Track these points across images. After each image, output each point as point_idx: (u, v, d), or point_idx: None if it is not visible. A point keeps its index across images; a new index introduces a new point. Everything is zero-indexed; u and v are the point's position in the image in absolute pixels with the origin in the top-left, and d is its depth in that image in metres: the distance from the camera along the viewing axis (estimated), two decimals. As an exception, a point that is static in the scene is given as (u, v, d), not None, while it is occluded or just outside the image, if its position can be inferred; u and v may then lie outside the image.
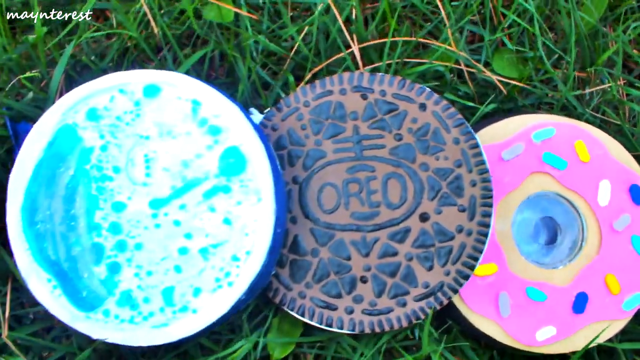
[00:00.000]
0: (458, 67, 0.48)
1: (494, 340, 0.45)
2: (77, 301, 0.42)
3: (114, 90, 0.43)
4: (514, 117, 0.47)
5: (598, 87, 0.50)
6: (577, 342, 0.45)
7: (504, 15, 0.50)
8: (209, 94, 0.43)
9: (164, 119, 0.43)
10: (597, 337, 0.44)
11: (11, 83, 0.45)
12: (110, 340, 0.42)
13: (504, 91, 0.48)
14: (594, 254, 0.46)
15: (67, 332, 0.46)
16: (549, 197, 0.47)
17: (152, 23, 0.46)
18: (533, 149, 0.46)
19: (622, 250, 0.46)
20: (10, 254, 0.44)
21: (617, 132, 0.50)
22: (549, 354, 0.46)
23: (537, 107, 0.50)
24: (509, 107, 0.49)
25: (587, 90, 0.49)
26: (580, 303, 0.45)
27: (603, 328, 0.45)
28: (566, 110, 0.49)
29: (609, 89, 0.50)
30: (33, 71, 0.45)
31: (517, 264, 0.46)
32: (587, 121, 0.49)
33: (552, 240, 0.47)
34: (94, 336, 0.42)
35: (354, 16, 0.47)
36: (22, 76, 0.43)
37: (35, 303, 0.46)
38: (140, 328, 0.42)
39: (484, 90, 0.49)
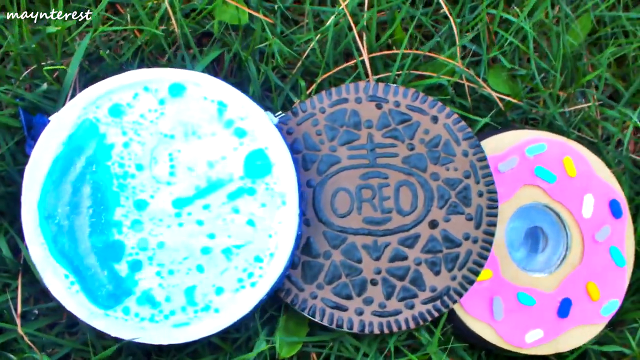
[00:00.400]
0: (460, 81, 0.50)
1: (487, 341, 0.48)
2: (95, 298, 0.42)
3: (138, 87, 0.43)
4: (509, 131, 0.50)
5: (578, 106, 0.53)
6: (560, 345, 0.49)
7: (496, 34, 0.53)
8: (235, 96, 0.43)
9: (189, 119, 0.43)
10: (593, 339, 0.48)
11: (24, 73, 0.44)
12: (130, 338, 0.42)
13: (501, 106, 0.50)
14: (577, 263, 0.50)
15: (70, 329, 0.46)
16: (538, 208, 0.50)
17: (173, 21, 0.46)
18: (526, 163, 0.49)
19: (602, 260, 0.50)
20: (21, 248, 0.43)
21: (590, 149, 0.53)
22: (534, 355, 0.49)
23: (521, 122, 0.53)
24: (498, 121, 0.52)
25: (569, 109, 0.53)
26: (564, 308, 0.49)
27: (584, 331, 0.49)
28: (551, 127, 0.53)
29: (587, 109, 0.53)
30: (48, 62, 0.44)
31: (509, 270, 0.49)
32: (572, 138, 0.52)
33: (537, 248, 0.50)
34: (113, 334, 0.42)
35: (366, 26, 0.48)
36: (45, 67, 0.42)
37: (38, 299, 0.45)
38: (161, 327, 0.42)
39: (476, 104, 0.52)
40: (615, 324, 0.52)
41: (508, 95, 0.51)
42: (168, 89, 0.43)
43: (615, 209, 0.50)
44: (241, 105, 0.43)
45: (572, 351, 0.49)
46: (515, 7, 0.52)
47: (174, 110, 0.43)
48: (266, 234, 0.43)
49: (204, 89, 0.43)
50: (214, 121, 0.43)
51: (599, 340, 0.51)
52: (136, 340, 0.42)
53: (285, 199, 0.43)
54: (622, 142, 0.54)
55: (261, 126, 0.43)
